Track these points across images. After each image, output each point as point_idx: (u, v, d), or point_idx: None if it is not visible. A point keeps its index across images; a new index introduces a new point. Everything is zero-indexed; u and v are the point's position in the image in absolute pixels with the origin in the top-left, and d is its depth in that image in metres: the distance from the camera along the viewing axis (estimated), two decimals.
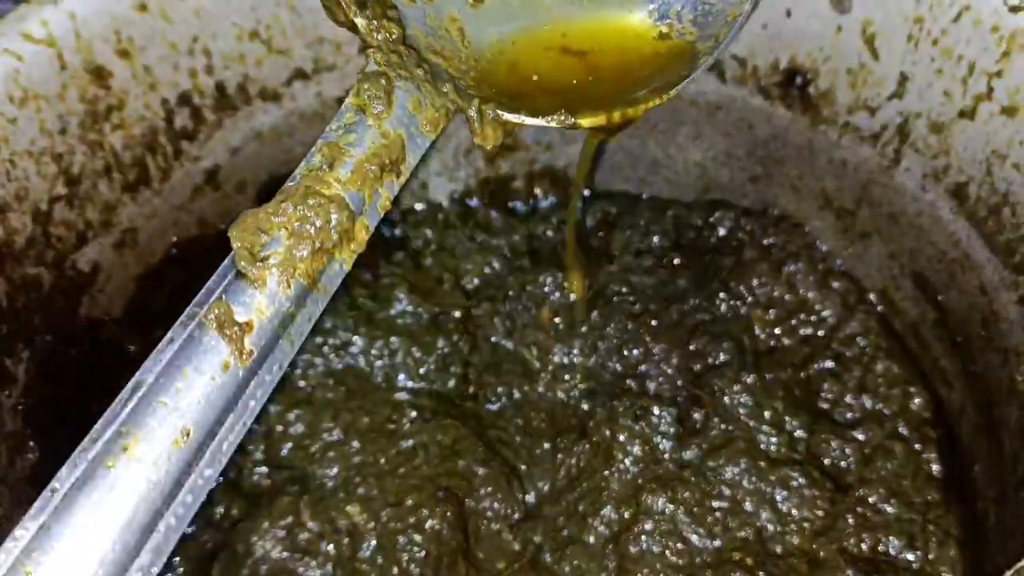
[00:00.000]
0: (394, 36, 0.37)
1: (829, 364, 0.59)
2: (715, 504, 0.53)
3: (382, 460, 0.55)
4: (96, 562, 0.27)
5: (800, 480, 0.53)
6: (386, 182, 0.36)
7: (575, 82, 0.40)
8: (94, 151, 0.51)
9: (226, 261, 0.33)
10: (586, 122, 0.40)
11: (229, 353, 0.31)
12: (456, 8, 0.39)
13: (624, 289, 0.63)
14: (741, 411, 0.56)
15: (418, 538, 0.51)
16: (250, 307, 0.32)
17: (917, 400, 0.57)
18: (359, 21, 0.38)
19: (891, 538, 0.51)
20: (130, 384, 0.30)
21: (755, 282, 0.61)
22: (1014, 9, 0.47)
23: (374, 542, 0.51)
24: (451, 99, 0.38)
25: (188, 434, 0.29)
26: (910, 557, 0.51)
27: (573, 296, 0.61)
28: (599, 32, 0.39)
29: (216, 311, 0.31)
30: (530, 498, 0.55)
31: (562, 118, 0.40)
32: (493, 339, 0.61)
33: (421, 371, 0.60)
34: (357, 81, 0.37)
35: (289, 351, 0.34)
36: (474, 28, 0.39)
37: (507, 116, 0.40)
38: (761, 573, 0.50)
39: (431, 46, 0.38)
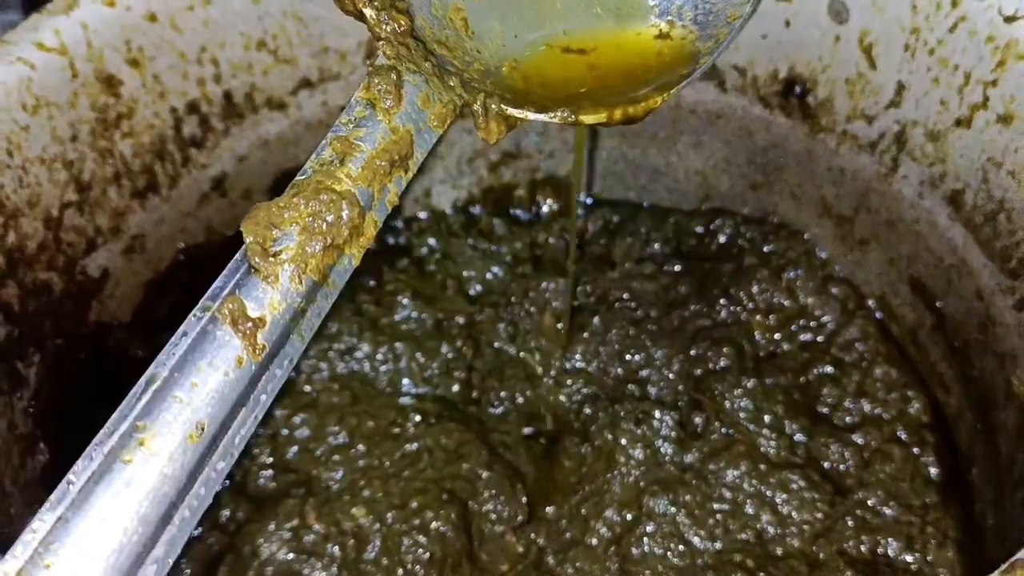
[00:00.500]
0: (402, 28, 0.37)
1: (828, 369, 0.59)
2: (716, 506, 0.53)
3: (387, 463, 0.55)
4: (114, 554, 0.28)
5: (800, 483, 0.53)
6: (395, 177, 0.36)
7: (576, 79, 0.41)
8: (104, 158, 0.52)
9: (238, 255, 0.34)
10: (588, 119, 0.41)
11: (242, 349, 0.31)
12: None
13: (626, 295, 0.64)
14: (741, 415, 0.57)
15: (422, 540, 0.52)
16: (263, 303, 0.32)
17: (915, 404, 0.58)
18: (368, 12, 0.38)
19: (890, 540, 0.52)
20: (144, 377, 0.30)
21: (755, 288, 0.62)
22: (1009, 19, 0.48)
23: (379, 544, 0.52)
24: (457, 93, 0.39)
25: (203, 429, 0.30)
26: (909, 559, 0.51)
27: (556, 304, 0.62)
28: (600, 29, 0.40)
29: (229, 306, 0.31)
30: (533, 501, 0.55)
31: (565, 115, 0.41)
32: (496, 344, 0.62)
33: (425, 376, 0.61)
34: (367, 74, 0.37)
35: (299, 346, 0.34)
36: (476, 19, 0.39)
37: (511, 111, 0.40)
38: (762, 574, 0.50)
39: (436, 36, 0.39)
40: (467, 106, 0.39)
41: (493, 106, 0.39)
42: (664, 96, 0.40)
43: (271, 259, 0.33)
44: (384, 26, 0.37)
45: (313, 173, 0.35)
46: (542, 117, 0.41)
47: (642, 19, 0.39)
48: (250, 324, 0.31)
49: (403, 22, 0.37)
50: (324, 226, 0.34)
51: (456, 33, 0.39)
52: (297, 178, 0.35)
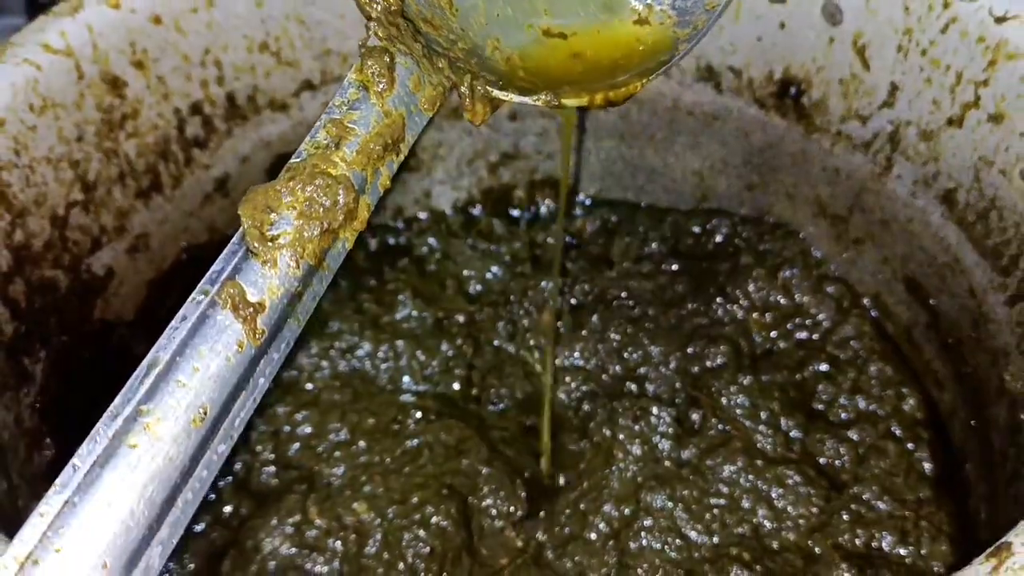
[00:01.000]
0: (392, 7, 0.38)
1: (824, 366, 0.60)
2: (713, 501, 0.54)
3: (388, 459, 0.56)
4: (121, 537, 0.28)
5: (796, 478, 0.54)
6: (387, 160, 0.37)
7: (558, 64, 0.41)
8: (109, 158, 0.53)
9: (235, 239, 0.34)
10: (570, 102, 0.41)
11: (243, 333, 0.32)
12: None
13: (624, 294, 0.64)
14: (738, 412, 0.57)
15: (423, 534, 0.52)
16: (262, 288, 0.33)
17: (910, 401, 0.58)
18: None
19: (884, 534, 0.52)
20: (145, 361, 0.30)
21: (751, 287, 0.63)
22: (999, 20, 0.48)
23: (380, 538, 0.53)
24: (446, 75, 0.39)
25: (205, 412, 0.30)
26: (903, 552, 0.52)
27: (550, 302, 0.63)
28: (581, 13, 0.41)
29: (229, 291, 0.32)
30: (532, 496, 0.56)
31: (548, 98, 0.41)
32: (495, 343, 0.63)
33: (425, 373, 0.62)
34: (360, 56, 0.37)
35: (296, 329, 0.34)
36: None
37: (496, 93, 0.41)
38: (758, 567, 0.51)
39: (422, 14, 0.39)
40: (455, 88, 0.40)
41: (479, 87, 0.40)
42: (644, 81, 0.41)
43: (269, 243, 0.33)
44: (375, 5, 0.38)
45: (308, 156, 0.35)
46: (526, 100, 0.41)
47: (622, 3, 0.40)
48: (250, 309, 0.32)
49: (393, 2, 0.38)
50: (321, 211, 0.34)
51: (441, 12, 0.39)
52: (292, 161, 0.35)
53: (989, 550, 0.30)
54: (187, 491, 0.30)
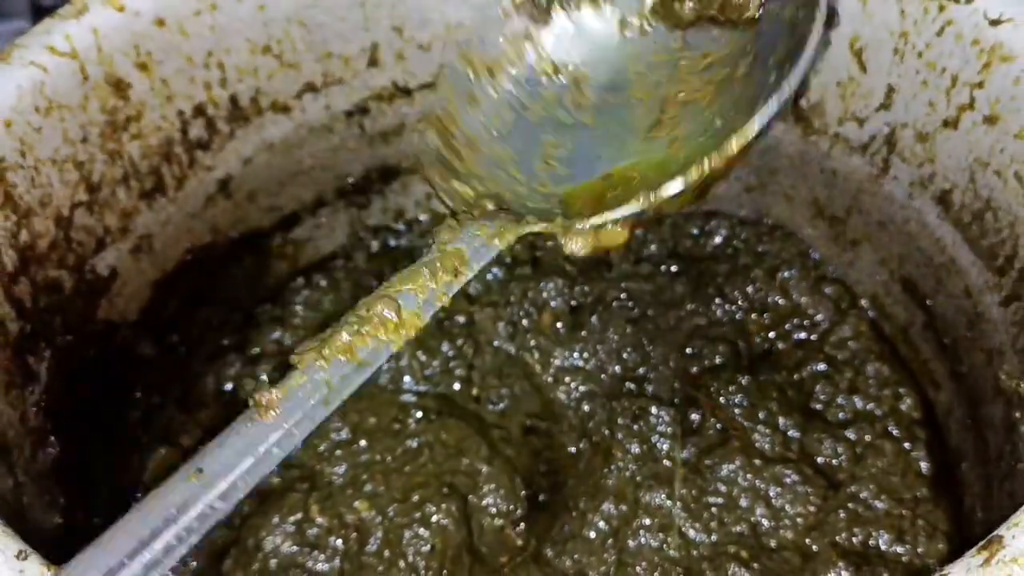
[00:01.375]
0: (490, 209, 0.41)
1: (822, 366, 0.60)
2: (711, 500, 0.54)
3: (388, 458, 0.57)
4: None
5: (793, 477, 0.54)
6: (443, 282, 0.39)
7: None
8: (113, 160, 0.53)
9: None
10: (672, 207, 0.42)
11: (253, 409, 0.35)
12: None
13: (623, 295, 0.65)
14: (736, 411, 0.58)
15: (423, 532, 0.53)
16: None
17: (907, 400, 0.59)
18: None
19: (881, 532, 0.53)
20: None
21: (750, 288, 0.63)
22: (994, 23, 0.49)
23: (380, 536, 0.53)
24: (532, 227, 0.41)
25: (200, 471, 0.33)
26: (899, 550, 0.52)
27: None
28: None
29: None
30: (532, 495, 0.57)
31: (647, 202, 0.41)
32: (495, 343, 0.63)
33: (426, 374, 0.62)
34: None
35: (323, 411, 0.36)
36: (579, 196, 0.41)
37: (594, 222, 0.42)
38: (756, 566, 0.52)
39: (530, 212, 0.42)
40: (549, 239, 0.41)
41: (575, 226, 0.41)
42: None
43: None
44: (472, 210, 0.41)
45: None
46: (623, 214, 0.42)
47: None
48: (264, 391, 0.34)
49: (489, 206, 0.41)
50: (353, 319, 0.37)
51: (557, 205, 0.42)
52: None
53: (980, 543, 0.31)
54: (169, 535, 0.32)
